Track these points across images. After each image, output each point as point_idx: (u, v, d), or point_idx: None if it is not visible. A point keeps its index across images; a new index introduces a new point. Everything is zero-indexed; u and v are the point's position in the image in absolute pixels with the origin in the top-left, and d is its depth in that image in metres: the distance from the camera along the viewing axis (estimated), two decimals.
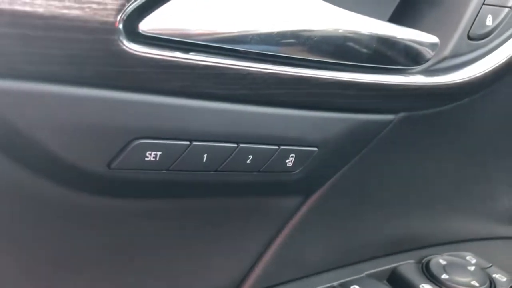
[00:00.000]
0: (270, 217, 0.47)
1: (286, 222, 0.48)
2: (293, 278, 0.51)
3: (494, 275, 0.56)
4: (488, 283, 0.54)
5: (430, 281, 0.53)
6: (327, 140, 0.42)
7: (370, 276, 0.54)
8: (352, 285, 0.51)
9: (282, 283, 0.50)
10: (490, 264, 0.58)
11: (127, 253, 0.41)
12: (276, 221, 0.48)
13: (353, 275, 0.54)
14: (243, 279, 0.48)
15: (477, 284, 0.53)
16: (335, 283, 0.52)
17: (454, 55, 0.47)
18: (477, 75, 0.48)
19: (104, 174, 0.33)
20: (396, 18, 0.48)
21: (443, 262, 0.56)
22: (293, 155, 0.40)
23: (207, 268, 0.46)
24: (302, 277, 0.52)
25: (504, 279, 0.56)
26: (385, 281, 0.55)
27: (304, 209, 0.48)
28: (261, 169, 0.39)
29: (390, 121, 0.46)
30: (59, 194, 0.34)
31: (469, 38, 0.47)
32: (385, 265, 0.56)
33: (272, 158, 0.39)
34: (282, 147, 0.39)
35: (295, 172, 0.42)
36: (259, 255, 0.48)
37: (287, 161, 0.40)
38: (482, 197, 0.64)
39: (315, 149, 0.42)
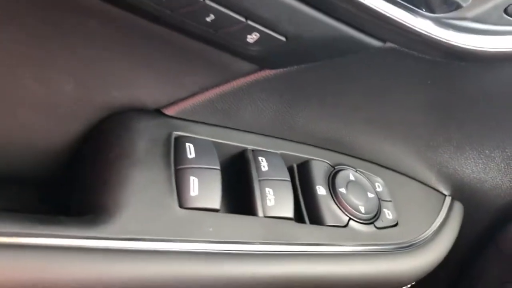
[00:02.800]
0: (218, 66, 0.47)
1: (233, 78, 0.48)
2: (220, 124, 0.53)
3: (384, 209, 0.59)
4: (373, 214, 0.58)
5: (328, 187, 0.56)
6: (299, 36, 0.40)
7: (283, 155, 0.56)
8: (261, 156, 0.53)
9: (206, 123, 0.53)
10: (390, 199, 0.61)
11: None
12: (223, 73, 0.48)
13: (271, 148, 0.56)
14: (170, 104, 0.50)
15: (362, 211, 0.56)
16: (249, 147, 0.54)
17: (477, 19, 0.43)
18: (486, 49, 0.45)
19: None
20: None
21: (351, 177, 0.58)
22: (258, 34, 0.39)
23: (142, 85, 0.47)
24: (228, 127, 0.54)
25: (390, 217, 0.59)
26: (294, 165, 0.58)
27: (256, 75, 0.48)
28: (217, 31, 0.38)
29: (375, 47, 0.44)
30: None
31: (506, 12, 0.43)
32: (305, 154, 0.58)
33: (234, 27, 0.38)
34: (249, 22, 0.38)
35: (252, 48, 0.41)
36: (194, 93, 0.49)
37: (248, 36, 0.39)
38: (426, 141, 0.64)
39: (283, 38, 0.40)
